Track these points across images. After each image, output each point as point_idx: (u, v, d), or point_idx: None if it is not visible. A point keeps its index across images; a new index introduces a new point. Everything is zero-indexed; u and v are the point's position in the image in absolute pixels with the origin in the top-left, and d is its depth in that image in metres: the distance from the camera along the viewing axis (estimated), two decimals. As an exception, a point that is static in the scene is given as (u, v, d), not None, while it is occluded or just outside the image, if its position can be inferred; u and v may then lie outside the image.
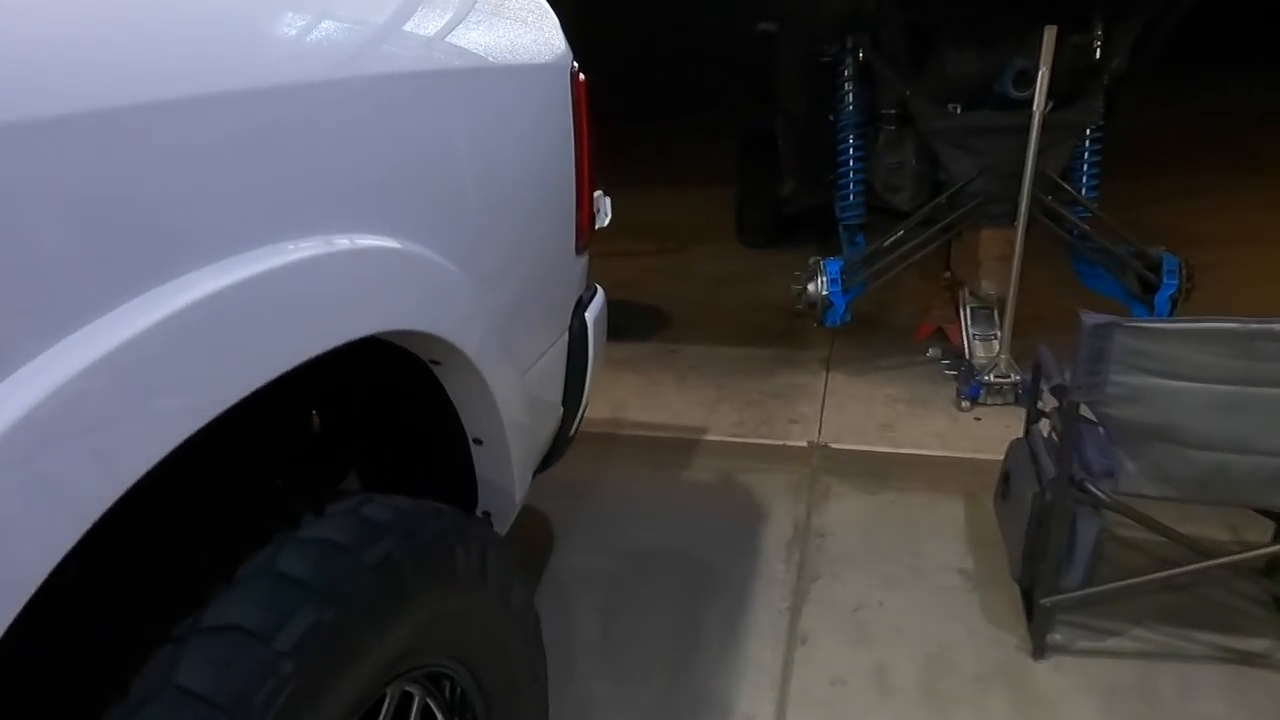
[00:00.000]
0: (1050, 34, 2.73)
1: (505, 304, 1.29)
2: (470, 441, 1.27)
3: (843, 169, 3.56)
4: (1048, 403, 2.06)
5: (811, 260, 3.35)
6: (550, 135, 1.49)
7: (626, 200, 6.75)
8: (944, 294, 3.74)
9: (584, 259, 1.70)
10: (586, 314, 1.68)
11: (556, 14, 1.57)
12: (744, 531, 2.50)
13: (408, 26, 1.10)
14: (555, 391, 1.56)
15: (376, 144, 1.01)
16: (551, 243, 1.49)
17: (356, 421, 1.35)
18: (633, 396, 3.50)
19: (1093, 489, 1.76)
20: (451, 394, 1.19)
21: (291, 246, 0.89)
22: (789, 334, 4.07)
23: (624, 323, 4.49)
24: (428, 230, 1.09)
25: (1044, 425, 2.13)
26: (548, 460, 1.66)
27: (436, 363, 1.14)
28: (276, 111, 0.88)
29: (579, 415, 1.70)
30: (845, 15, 3.24)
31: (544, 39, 1.47)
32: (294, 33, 0.93)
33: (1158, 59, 3.20)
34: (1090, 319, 1.60)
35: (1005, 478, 2.18)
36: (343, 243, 0.95)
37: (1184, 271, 3.08)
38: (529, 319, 1.41)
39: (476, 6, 1.28)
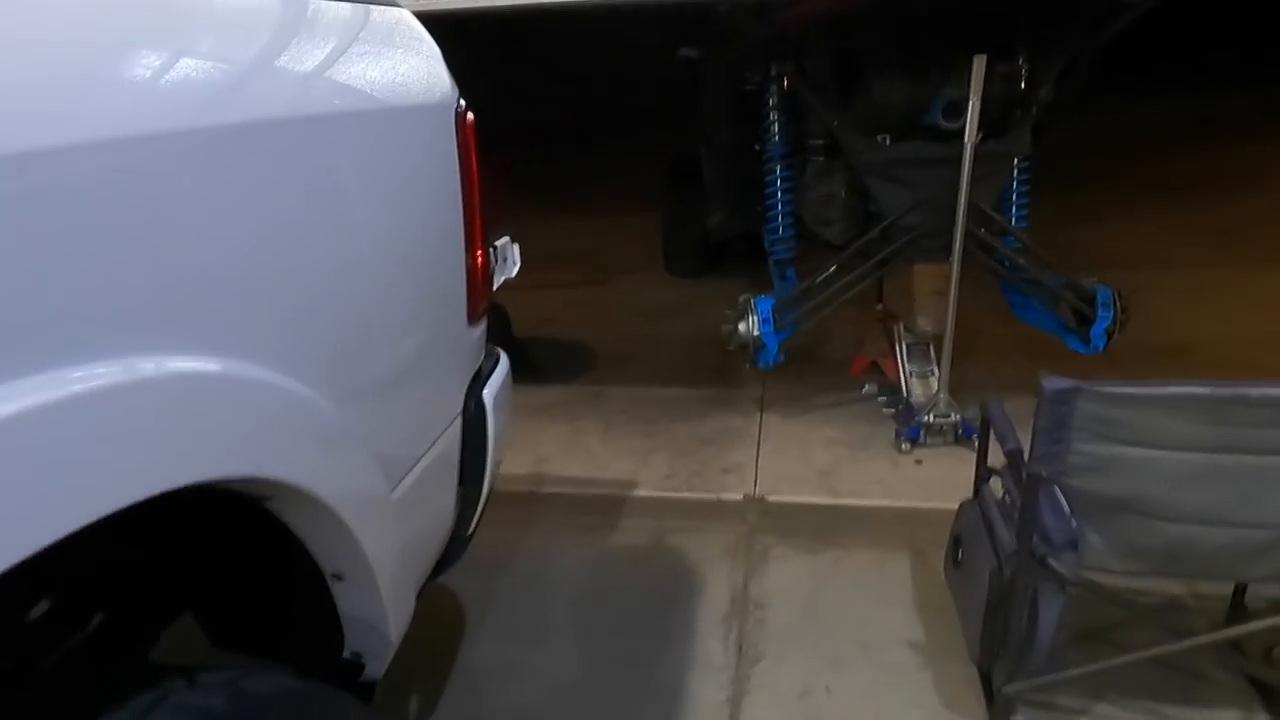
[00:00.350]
0: (980, 64, 2.62)
1: (371, 417, 1.04)
2: (328, 577, 1.02)
3: (770, 201, 3.40)
4: (997, 458, 1.91)
5: (742, 298, 3.17)
6: (432, 191, 1.25)
7: (552, 229, 6.50)
8: (878, 326, 3.61)
9: (480, 327, 1.46)
10: (485, 391, 1.44)
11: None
12: (677, 607, 2.28)
13: (235, 62, 0.85)
14: (443, 495, 1.31)
15: (194, 225, 0.76)
16: (436, 321, 1.25)
17: (185, 553, 1.08)
18: (557, 449, 3.25)
19: (1055, 566, 1.60)
20: (295, 530, 0.94)
21: (57, 377, 0.63)
22: (721, 370, 3.88)
23: (548, 363, 4.24)
24: (266, 342, 0.83)
25: (995, 484, 1.98)
26: (441, 566, 1.41)
27: (268, 498, 0.88)
28: (37, 182, 0.62)
29: (478, 510, 1.45)
30: (768, 42, 3.09)
31: (421, 74, 1.24)
32: (67, 76, 0.67)
33: (1082, 88, 3.14)
34: (1051, 384, 1.44)
35: (956, 542, 2.01)
36: (145, 368, 0.69)
37: (1118, 303, 3.00)
38: (404, 422, 1.16)
39: (329, 36, 1.04)
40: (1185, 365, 3.84)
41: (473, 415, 1.40)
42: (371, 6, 1.16)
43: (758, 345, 3.08)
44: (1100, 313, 2.98)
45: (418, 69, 1.23)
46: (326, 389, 0.91)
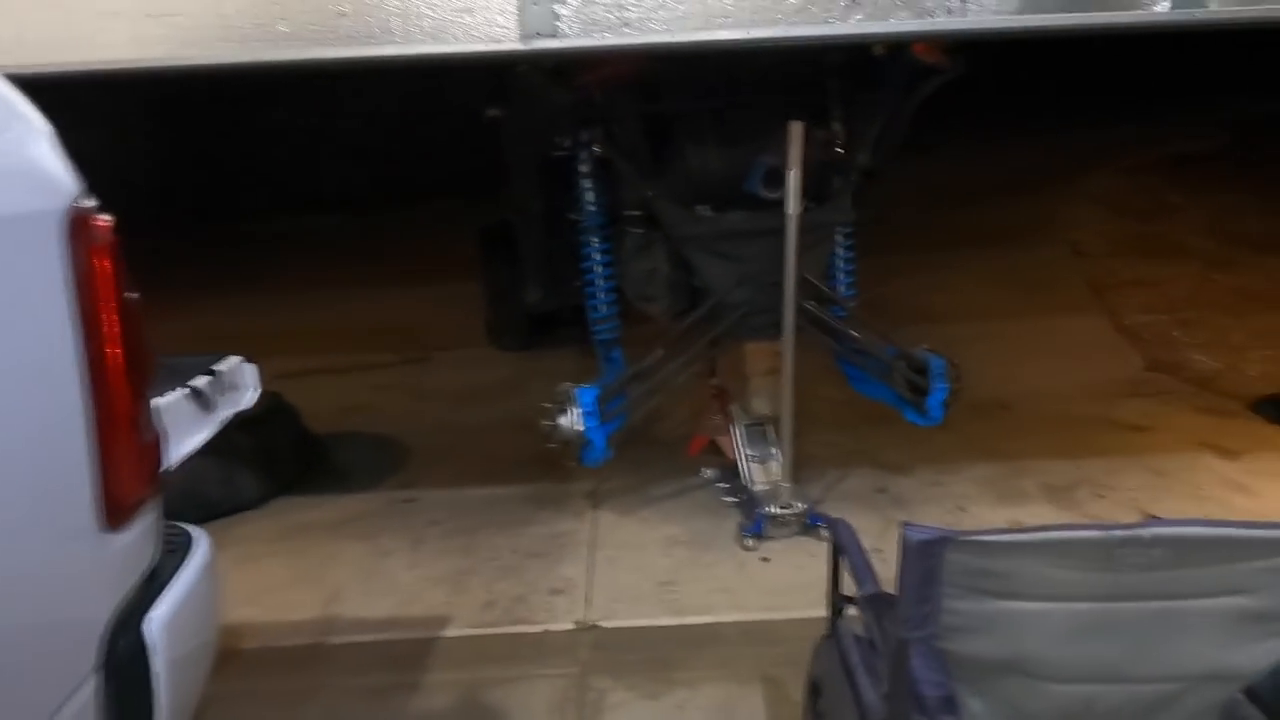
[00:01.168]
0: (796, 130, 2.45)
1: None
2: None
3: (589, 277, 3.09)
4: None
5: (561, 388, 2.82)
6: (14, 339, 0.80)
7: (367, 300, 5.87)
8: (713, 401, 3.35)
9: (137, 528, 1.00)
10: (151, 621, 0.98)
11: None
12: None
13: None
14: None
15: None
16: (32, 533, 0.79)
17: None
18: (352, 579, 2.73)
19: (934, 739, 1.30)
20: None
21: None
22: (549, 461, 3.47)
23: (351, 465, 3.69)
24: None
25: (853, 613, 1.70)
26: None
27: None
28: None
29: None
30: (574, 106, 2.80)
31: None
32: None
33: (899, 152, 3.06)
34: (914, 535, 1.16)
35: (814, 689, 1.72)
36: None
37: (952, 373, 2.89)
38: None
39: None
40: (1012, 421, 3.86)
41: (124, 665, 0.93)
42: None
43: (582, 442, 2.72)
44: (935, 384, 2.86)
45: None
46: None
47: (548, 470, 3.32)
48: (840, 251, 3.13)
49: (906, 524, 1.16)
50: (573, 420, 2.71)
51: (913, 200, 6.26)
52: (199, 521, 3.28)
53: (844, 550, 1.54)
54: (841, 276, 3.17)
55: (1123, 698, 1.24)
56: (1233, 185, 6.93)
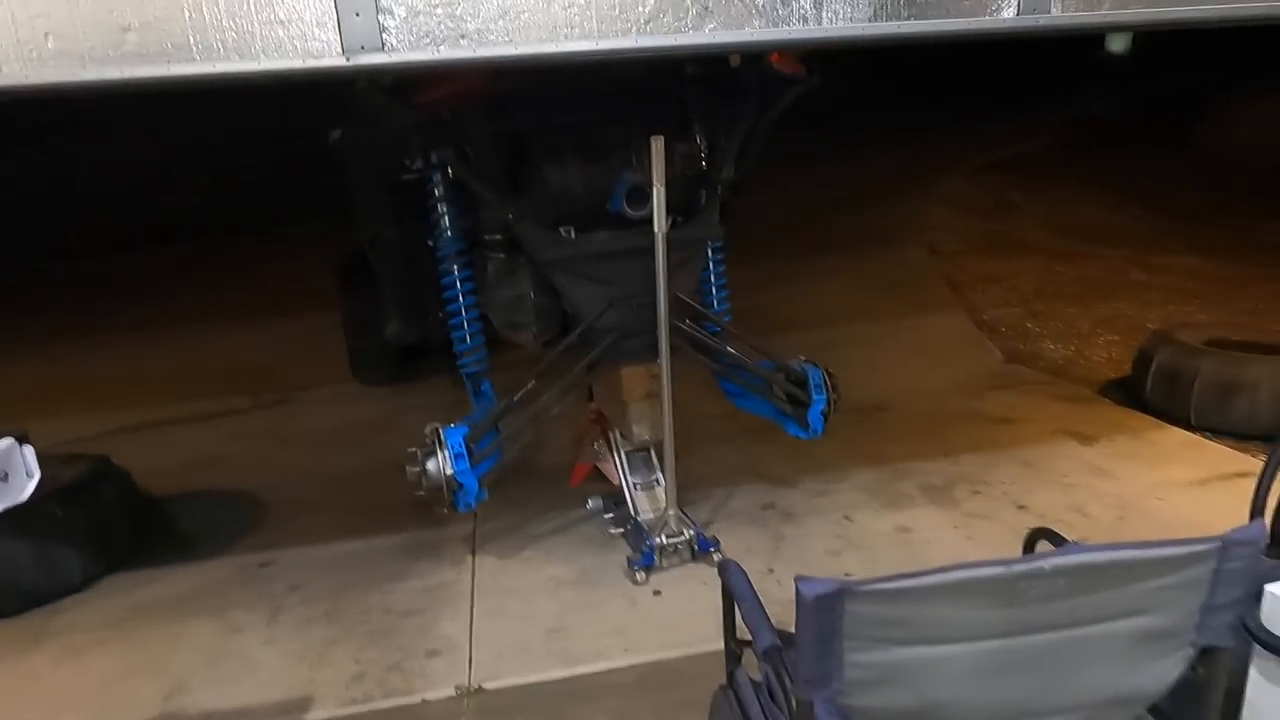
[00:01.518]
0: (657, 145, 2.35)
1: None
2: None
3: (452, 307, 2.89)
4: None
5: (428, 430, 2.61)
6: None
7: (219, 339, 5.31)
8: (594, 427, 3.22)
9: None
10: None
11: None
12: None
13: None
14: None
15: None
16: None
17: None
18: (199, 664, 2.41)
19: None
20: None
21: None
22: (423, 504, 3.24)
23: (199, 529, 3.32)
24: None
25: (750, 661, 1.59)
26: None
27: None
28: None
29: None
30: (422, 126, 2.61)
31: None
32: None
33: (761, 163, 3.03)
34: (810, 589, 1.05)
35: (716, 743, 1.59)
36: None
37: (829, 382, 2.87)
38: None
39: None
40: (890, 423, 3.91)
41: None
42: None
43: (454, 486, 2.52)
44: (814, 395, 2.83)
45: None
46: None
47: (424, 514, 3.07)
48: (711, 266, 3.06)
49: (800, 578, 1.05)
50: (441, 464, 2.51)
51: (780, 208, 6.35)
52: (14, 613, 2.86)
53: (737, 598, 1.42)
54: (714, 292, 3.10)
55: (1032, 733, 1.18)
56: (1063, 182, 7.44)
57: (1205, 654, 1.17)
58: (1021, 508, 3.04)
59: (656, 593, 2.62)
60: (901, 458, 3.47)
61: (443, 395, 4.38)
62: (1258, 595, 1.20)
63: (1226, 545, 1.08)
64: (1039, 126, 8.54)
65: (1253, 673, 1.24)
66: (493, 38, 1.53)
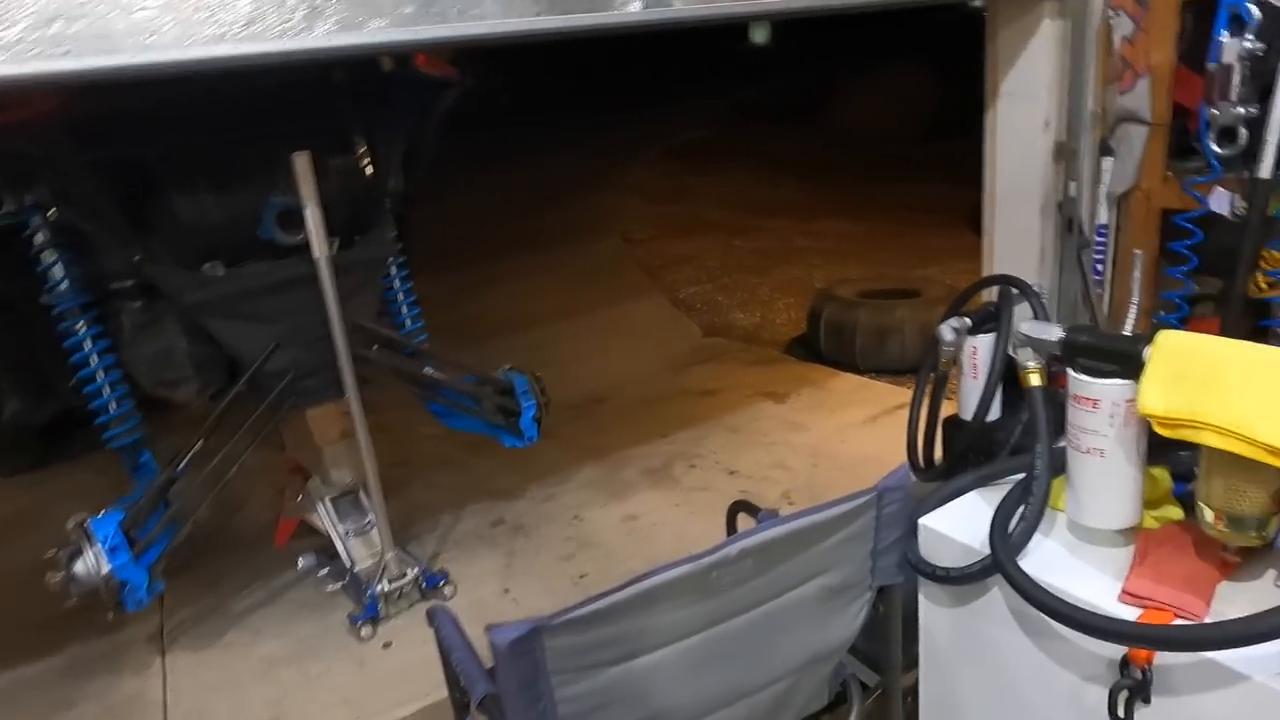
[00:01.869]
0: (303, 162, 2.12)
1: None
2: None
3: (84, 373, 2.42)
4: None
5: (71, 525, 2.16)
6: None
7: None
8: (295, 476, 2.89)
9: None
10: None
11: None
12: None
13: None
14: None
15: None
16: None
17: None
18: None
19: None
20: None
21: None
22: (94, 606, 2.71)
23: None
24: None
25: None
26: None
27: None
28: None
29: None
30: (-1, 161, 2.13)
31: None
32: None
33: (430, 167, 2.89)
34: (501, 636, 0.96)
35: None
36: None
37: (536, 386, 2.82)
38: None
39: None
40: (607, 413, 3.98)
41: None
42: None
43: (116, 586, 2.11)
44: (523, 403, 2.76)
45: None
46: None
47: (89, 623, 2.57)
48: (397, 284, 2.87)
49: (491, 627, 0.96)
50: (93, 563, 2.09)
51: (465, 216, 6.23)
52: None
53: (447, 649, 1.31)
54: (405, 310, 2.91)
55: (744, 712, 1.20)
56: (728, 162, 8.13)
57: (882, 592, 1.27)
58: (733, 473, 3.23)
59: (386, 645, 2.42)
60: (621, 446, 3.54)
61: (106, 474, 3.73)
62: (914, 530, 1.32)
63: (881, 493, 1.17)
64: (701, 114, 9.25)
65: (921, 598, 1.37)
66: (32, 52, 1.24)
